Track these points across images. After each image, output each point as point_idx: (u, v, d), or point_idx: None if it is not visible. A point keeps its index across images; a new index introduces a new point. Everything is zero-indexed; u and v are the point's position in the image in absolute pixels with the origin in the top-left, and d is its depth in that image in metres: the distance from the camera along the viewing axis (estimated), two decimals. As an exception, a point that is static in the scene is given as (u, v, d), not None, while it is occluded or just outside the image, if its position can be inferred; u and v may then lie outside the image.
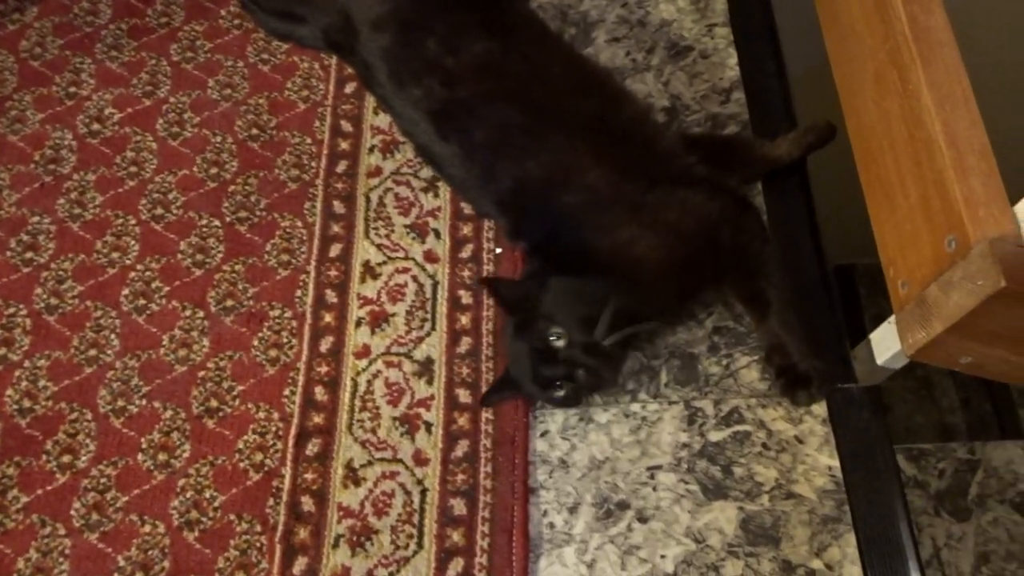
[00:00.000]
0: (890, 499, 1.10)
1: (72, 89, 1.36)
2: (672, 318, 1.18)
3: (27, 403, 1.13)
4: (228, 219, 1.25)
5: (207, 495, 1.08)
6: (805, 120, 1.35)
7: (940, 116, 0.92)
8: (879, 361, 1.13)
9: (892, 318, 1.10)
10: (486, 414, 1.13)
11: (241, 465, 1.10)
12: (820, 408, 1.15)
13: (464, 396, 1.13)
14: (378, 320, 1.18)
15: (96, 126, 1.33)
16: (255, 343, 1.17)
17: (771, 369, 1.15)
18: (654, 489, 1.11)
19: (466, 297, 1.19)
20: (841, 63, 1.17)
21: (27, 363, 1.15)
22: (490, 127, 1.11)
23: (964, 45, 0.98)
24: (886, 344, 1.13)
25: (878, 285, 1.24)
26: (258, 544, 1.05)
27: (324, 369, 1.16)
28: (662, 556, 1.07)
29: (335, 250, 1.23)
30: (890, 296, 1.05)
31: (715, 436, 1.14)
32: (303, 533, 1.06)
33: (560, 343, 1.03)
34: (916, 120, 0.96)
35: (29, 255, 1.23)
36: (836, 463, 1.12)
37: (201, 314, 1.19)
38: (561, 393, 1.06)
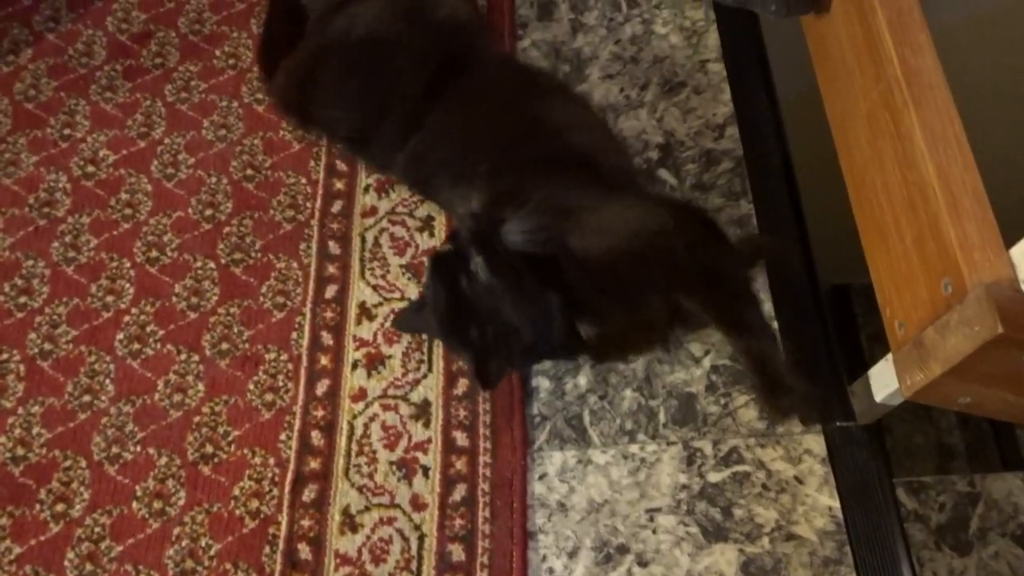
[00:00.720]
0: (891, 539, 1.10)
1: (67, 131, 1.36)
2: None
3: (20, 451, 1.12)
4: (223, 261, 1.25)
5: (203, 543, 1.07)
6: (798, 149, 1.36)
7: (933, 159, 0.93)
8: (877, 398, 1.13)
9: (890, 356, 1.11)
10: (484, 458, 1.12)
11: (237, 512, 1.09)
12: (819, 447, 1.15)
13: (461, 439, 1.13)
14: (374, 362, 1.17)
15: (91, 168, 1.32)
16: (250, 387, 1.17)
17: (754, 382, 1.12)
18: (654, 532, 1.10)
19: (462, 338, 1.18)
20: (833, 99, 1.18)
21: (20, 410, 1.15)
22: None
23: (955, 86, 0.99)
24: (884, 381, 1.12)
25: (874, 304, 1.24)
26: (254, 594, 1.04)
27: (320, 413, 1.15)
28: (662, 601, 1.06)
29: (331, 291, 1.22)
30: (887, 335, 1.05)
31: (714, 477, 1.14)
32: (300, 582, 1.05)
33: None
34: (909, 162, 0.96)
35: (23, 299, 1.22)
36: (836, 503, 1.12)
37: (196, 358, 1.18)
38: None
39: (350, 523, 1.08)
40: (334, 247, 1.26)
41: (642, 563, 1.08)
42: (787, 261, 1.27)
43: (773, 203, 1.32)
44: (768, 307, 1.24)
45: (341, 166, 1.33)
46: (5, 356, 1.18)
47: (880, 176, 1.04)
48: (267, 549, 1.07)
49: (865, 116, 1.07)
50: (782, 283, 1.25)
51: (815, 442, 1.15)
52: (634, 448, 1.15)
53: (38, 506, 1.09)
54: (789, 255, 1.17)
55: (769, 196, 1.33)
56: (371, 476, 1.11)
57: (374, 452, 1.12)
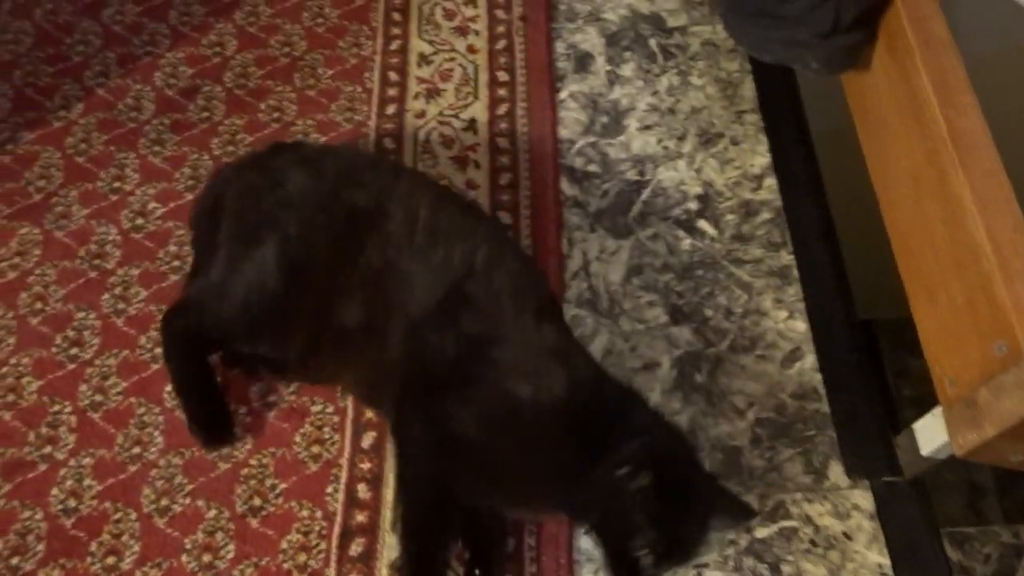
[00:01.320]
0: (944, 600, 1.09)
1: (116, 184, 1.39)
2: None
3: (72, 503, 1.13)
4: (269, 312, 1.26)
5: (251, 598, 1.07)
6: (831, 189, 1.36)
7: (983, 220, 0.93)
8: (924, 452, 1.13)
9: (937, 410, 1.10)
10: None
11: (285, 566, 1.09)
12: (867, 502, 1.14)
13: (507, 493, 1.13)
14: (420, 415, 1.18)
15: (140, 220, 1.35)
16: (297, 439, 1.17)
17: None
18: (701, 588, 1.10)
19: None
20: (875, 156, 1.19)
21: (72, 461, 1.16)
22: None
23: (1000, 145, 1.00)
24: (931, 435, 1.12)
25: (900, 340, 1.23)
26: (303, 650, 1.04)
27: (367, 465, 1.15)
28: (712, 659, 1.06)
29: (375, 343, 1.24)
30: (936, 390, 1.05)
31: (761, 532, 1.13)
32: (348, 638, 1.05)
33: None
34: (958, 223, 0.97)
35: (74, 351, 1.24)
36: (886, 560, 1.11)
37: (244, 410, 1.19)
38: None
39: None
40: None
41: (690, 620, 1.08)
42: (830, 314, 1.28)
43: (812, 253, 1.33)
44: (811, 360, 1.25)
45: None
46: (57, 408, 1.20)
47: (927, 234, 1.04)
48: (315, 604, 1.07)
49: (909, 175, 1.08)
50: (825, 338, 1.26)
51: (863, 497, 1.15)
52: (680, 502, 1.15)
53: (89, 559, 1.09)
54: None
55: (808, 246, 1.34)
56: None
57: (419, 505, 1.12)
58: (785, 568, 1.11)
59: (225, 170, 1.29)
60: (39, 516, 1.12)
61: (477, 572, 1.06)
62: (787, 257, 1.33)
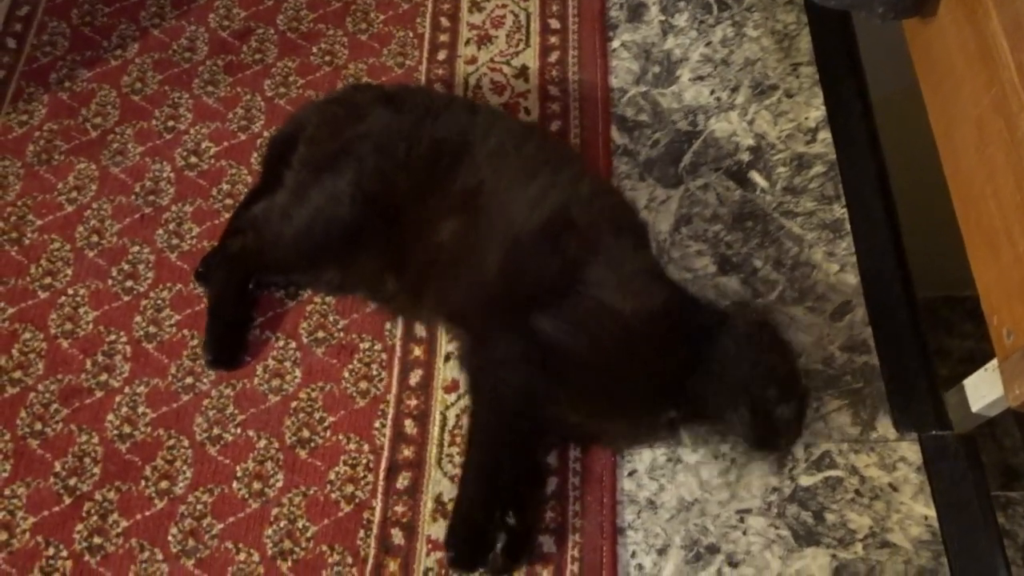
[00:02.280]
0: (990, 553, 1.07)
1: (170, 123, 1.41)
2: None
3: (127, 429, 1.16)
4: (319, 252, 1.28)
5: (300, 525, 1.09)
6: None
7: (1053, 166, 0.91)
8: (974, 408, 1.11)
9: (990, 364, 1.08)
10: (574, 452, 1.13)
11: (333, 496, 1.11)
12: (914, 455, 1.13)
13: (553, 433, 1.14)
14: (467, 355, 1.19)
15: (193, 159, 1.37)
16: (345, 375, 1.19)
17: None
18: (744, 533, 1.10)
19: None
20: (937, 106, 1.16)
21: (127, 389, 1.19)
22: None
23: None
24: (982, 391, 1.10)
25: (936, 320, 1.21)
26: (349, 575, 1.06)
27: (414, 402, 1.17)
28: (753, 603, 1.06)
29: (423, 284, 1.25)
30: (993, 343, 1.03)
31: (806, 481, 1.13)
32: (393, 566, 1.07)
33: None
34: (1025, 169, 0.95)
35: (129, 284, 1.26)
36: (932, 512, 1.10)
37: (294, 344, 1.21)
38: None
39: (442, 511, 1.10)
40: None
41: (732, 564, 1.08)
42: (882, 269, 1.26)
43: (867, 208, 1.31)
44: (862, 313, 1.23)
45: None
46: (113, 337, 1.22)
47: (990, 183, 1.02)
48: (362, 533, 1.09)
49: (974, 122, 1.05)
50: (877, 292, 1.24)
51: (910, 450, 1.14)
52: (724, 448, 1.15)
53: (143, 482, 1.12)
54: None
55: (863, 200, 1.32)
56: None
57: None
58: (829, 516, 1.10)
59: (310, 104, 1.32)
60: (95, 440, 1.15)
61: (511, 514, 1.06)
62: (840, 210, 1.31)
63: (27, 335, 1.23)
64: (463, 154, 1.12)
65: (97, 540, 1.09)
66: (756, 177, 1.35)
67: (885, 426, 1.16)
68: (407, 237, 1.11)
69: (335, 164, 1.13)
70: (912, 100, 1.25)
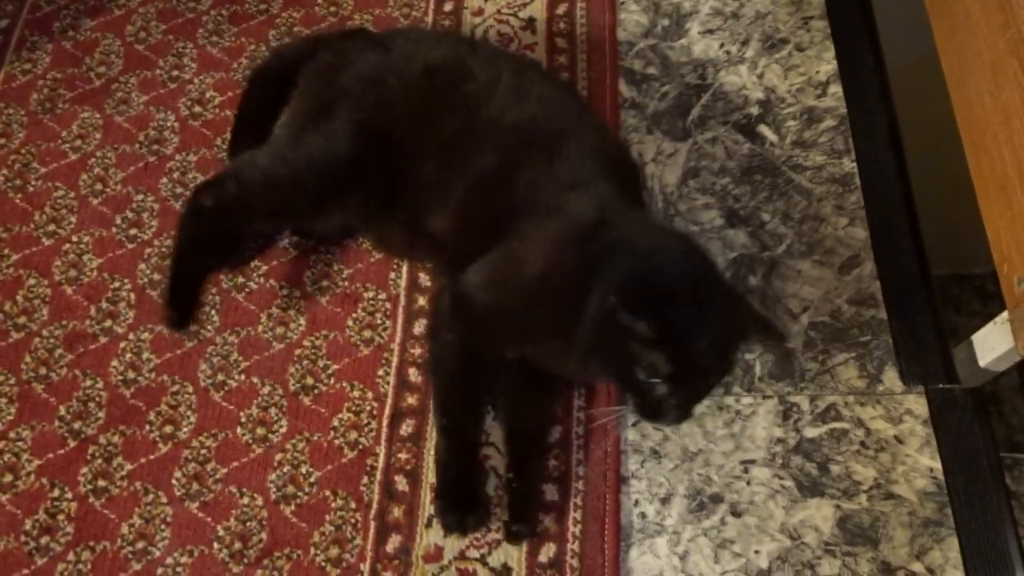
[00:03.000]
0: (996, 505, 1.07)
1: (175, 72, 1.39)
2: None
3: (131, 374, 1.16)
4: (324, 202, 1.27)
5: (303, 470, 1.09)
6: (907, 115, 1.32)
7: (1069, 107, 0.89)
8: (982, 363, 1.10)
9: (1000, 317, 1.07)
10: (578, 401, 1.13)
11: (336, 442, 1.11)
12: (921, 408, 1.13)
13: (557, 383, 1.13)
14: (471, 305, 1.18)
15: (197, 108, 1.36)
16: (350, 323, 1.19)
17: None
18: (748, 483, 1.10)
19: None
20: (951, 53, 1.14)
21: (131, 335, 1.19)
22: None
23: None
24: (991, 344, 1.09)
25: (947, 298, 1.20)
26: (353, 520, 1.06)
27: (418, 351, 1.16)
28: (756, 551, 1.06)
29: (428, 235, 1.24)
30: (1003, 293, 1.02)
31: (811, 432, 1.12)
32: (397, 512, 1.07)
33: None
34: (1040, 112, 0.93)
35: (133, 232, 1.26)
36: (938, 465, 1.09)
37: (298, 293, 1.21)
38: None
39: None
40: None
41: (736, 513, 1.08)
42: (892, 223, 1.25)
43: (877, 162, 1.30)
44: (871, 267, 1.22)
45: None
46: (117, 284, 1.22)
47: (1004, 129, 1.00)
48: (365, 479, 1.09)
49: (989, 67, 1.04)
50: (886, 246, 1.23)
51: (917, 403, 1.13)
52: (729, 400, 1.15)
53: (148, 427, 1.13)
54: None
55: (873, 155, 1.30)
56: (467, 414, 1.12)
57: (470, 391, 1.13)
58: (834, 468, 1.10)
59: (294, 40, 1.30)
60: (100, 385, 1.15)
61: (512, 475, 1.06)
62: (849, 165, 1.30)
63: (31, 281, 1.23)
64: (459, 82, 1.10)
65: (102, 483, 1.09)
66: (765, 131, 1.33)
67: (892, 379, 1.15)
68: (406, 169, 1.10)
69: (332, 108, 1.12)
70: (925, 73, 1.24)
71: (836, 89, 1.36)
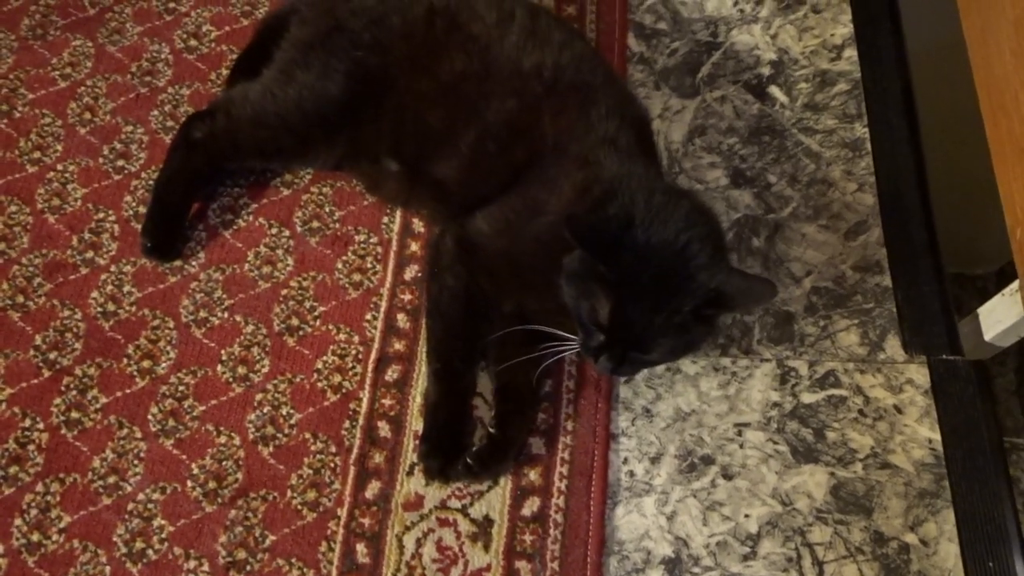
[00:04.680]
0: (994, 478, 1.04)
1: (171, 5, 1.35)
2: None
3: (111, 307, 1.12)
4: (318, 142, 1.23)
5: (283, 412, 1.06)
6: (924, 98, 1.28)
7: (1096, 62, 0.86)
8: (987, 337, 1.07)
9: (1008, 289, 1.04)
10: (570, 354, 1.09)
11: (319, 385, 1.08)
12: (922, 378, 1.09)
13: (549, 334, 1.10)
14: (465, 252, 1.15)
15: (193, 42, 1.32)
16: (339, 266, 1.15)
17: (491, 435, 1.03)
18: (741, 446, 1.06)
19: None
20: (972, 14, 1.11)
21: (113, 268, 1.15)
22: None
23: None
24: (996, 318, 1.06)
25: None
26: (332, 465, 1.03)
27: (408, 297, 1.13)
28: (746, 515, 1.02)
29: (424, 180, 1.20)
30: (1015, 260, 0.98)
31: (808, 398, 1.09)
32: (378, 458, 1.04)
33: None
34: (1066, 68, 0.89)
35: (121, 163, 1.22)
36: (937, 436, 1.06)
37: (287, 233, 1.17)
38: None
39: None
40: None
41: (727, 476, 1.05)
42: (902, 191, 1.21)
43: (889, 128, 1.26)
44: (877, 234, 1.19)
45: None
46: (101, 215, 1.18)
47: (1025, 87, 0.97)
48: (347, 424, 1.05)
49: (1012, 24, 1.00)
50: (895, 214, 1.20)
51: (918, 372, 1.10)
52: (726, 361, 1.11)
53: (125, 360, 1.09)
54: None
55: (886, 121, 1.26)
56: (454, 362, 1.09)
57: (459, 340, 1.10)
58: (830, 435, 1.07)
59: None
60: (78, 316, 1.12)
61: (494, 423, 1.03)
62: (861, 130, 1.26)
63: (13, 208, 1.19)
64: (465, 22, 1.06)
65: (75, 415, 1.06)
66: (776, 92, 1.30)
67: (894, 348, 1.12)
68: (404, 113, 1.06)
69: (327, 42, 1.08)
70: (944, 40, 1.20)
71: (851, 53, 1.32)
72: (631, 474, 1.05)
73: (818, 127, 1.26)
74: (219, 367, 1.09)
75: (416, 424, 1.06)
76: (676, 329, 0.88)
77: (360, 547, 0.99)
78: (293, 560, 0.98)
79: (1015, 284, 1.02)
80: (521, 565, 0.98)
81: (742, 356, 1.11)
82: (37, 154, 1.23)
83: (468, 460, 1.00)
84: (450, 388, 1.02)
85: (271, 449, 1.04)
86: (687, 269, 0.87)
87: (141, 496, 1.01)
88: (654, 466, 1.05)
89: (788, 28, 1.35)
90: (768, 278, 1.04)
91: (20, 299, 1.13)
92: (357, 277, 1.15)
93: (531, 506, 1.01)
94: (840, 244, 1.18)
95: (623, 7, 1.35)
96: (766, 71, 1.31)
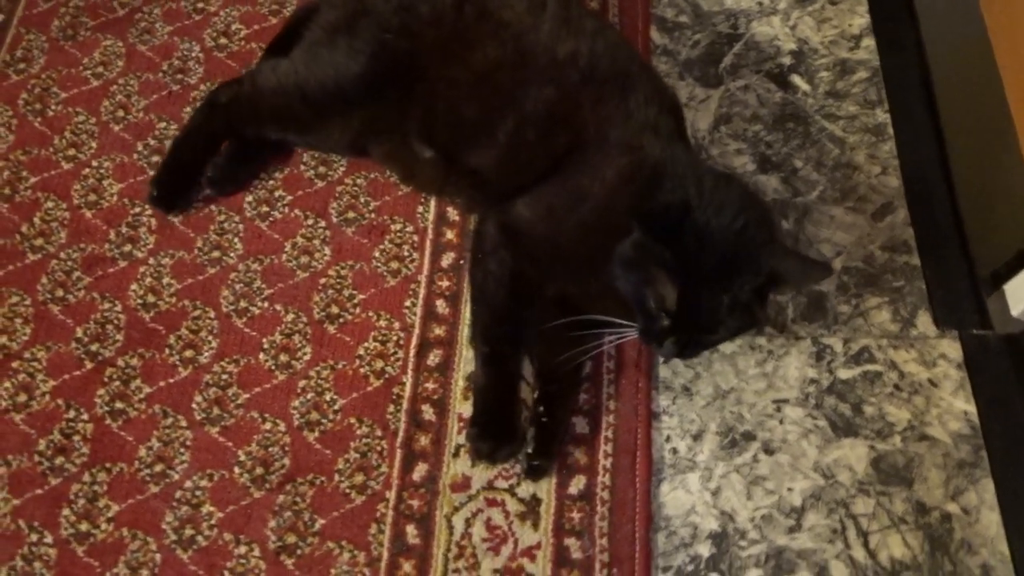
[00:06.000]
0: (1031, 446, 1.06)
1: (200, 5, 1.37)
2: None
3: (151, 298, 1.13)
4: (350, 136, 1.24)
5: (327, 398, 1.07)
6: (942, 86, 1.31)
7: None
8: (1014, 312, 1.09)
9: (1036, 263, 1.07)
10: (610, 336, 1.11)
11: (362, 371, 1.08)
12: (955, 352, 1.11)
13: (588, 317, 1.11)
14: (500, 239, 1.16)
15: (223, 40, 1.33)
16: (376, 254, 1.16)
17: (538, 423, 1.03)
18: (780, 422, 1.08)
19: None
20: (995, 2, 1.14)
21: (151, 260, 1.16)
22: None
23: None
24: (1022, 294, 1.08)
25: None
26: (378, 448, 1.04)
27: (445, 284, 1.14)
28: (789, 489, 1.04)
29: (457, 170, 1.22)
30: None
31: (844, 374, 1.11)
32: (424, 440, 1.04)
33: None
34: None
35: (156, 159, 1.23)
36: (972, 408, 1.08)
37: (323, 224, 1.18)
38: None
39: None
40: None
41: (768, 451, 1.06)
42: (925, 172, 1.24)
43: (910, 113, 1.29)
44: (903, 214, 1.21)
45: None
46: (137, 210, 1.19)
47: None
48: (391, 408, 1.06)
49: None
50: (919, 195, 1.22)
51: (951, 347, 1.12)
52: (761, 340, 1.13)
53: (167, 351, 1.09)
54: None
55: (907, 106, 1.29)
56: (496, 346, 1.10)
57: (498, 324, 1.11)
58: (867, 409, 1.08)
59: None
60: (118, 308, 1.12)
61: (542, 409, 1.04)
62: (883, 115, 1.29)
63: (49, 204, 1.19)
64: (494, 10, 1.09)
65: (119, 405, 1.06)
66: (797, 80, 1.32)
67: (925, 323, 1.14)
68: (436, 100, 1.08)
69: (354, 24, 1.11)
70: (961, 27, 1.23)
71: (869, 42, 1.35)
72: (674, 451, 1.06)
73: (840, 113, 1.29)
74: (261, 355, 1.09)
75: (459, 407, 1.06)
76: (739, 309, 0.91)
77: (410, 528, 1.00)
78: (343, 543, 0.99)
79: (1043, 259, 1.05)
80: (570, 542, 0.99)
81: (777, 335, 1.13)
82: (72, 151, 1.24)
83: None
84: (498, 372, 1.03)
85: (317, 434, 1.05)
86: (748, 251, 0.90)
87: (188, 484, 1.02)
88: (696, 443, 1.06)
89: (806, 19, 1.38)
90: (824, 261, 1.07)
91: (60, 293, 1.13)
92: (395, 265, 1.16)
93: (577, 484, 1.02)
94: (868, 225, 1.20)
95: (645, 1, 1.38)
96: (787, 60, 1.34)
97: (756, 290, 0.91)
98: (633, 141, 1.00)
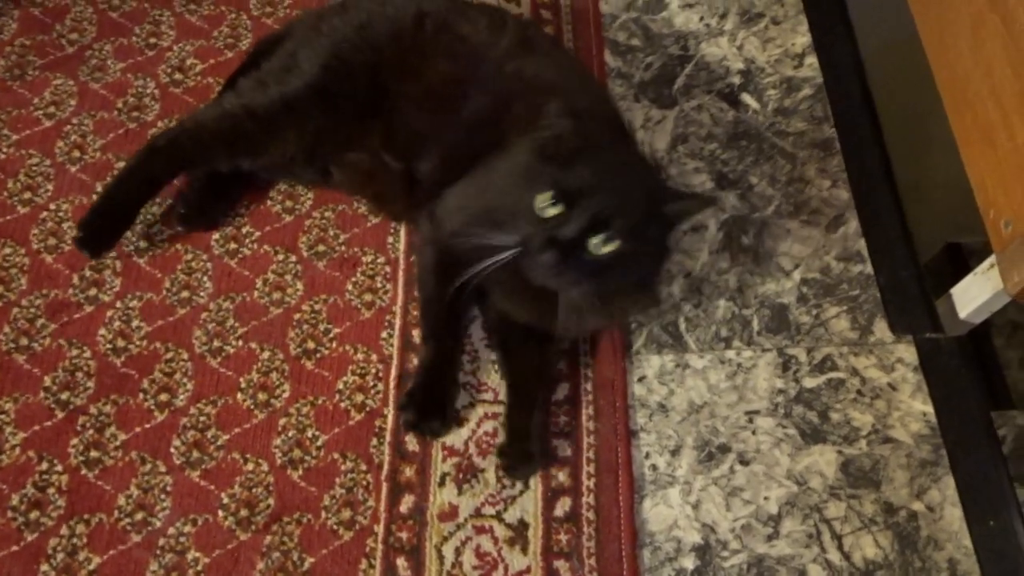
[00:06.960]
0: (986, 442, 1.11)
1: (152, 40, 1.35)
2: None
3: (121, 342, 1.11)
4: (314, 168, 1.24)
5: (309, 434, 1.06)
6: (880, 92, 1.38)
7: (1053, 54, 0.95)
8: (961, 315, 1.15)
9: (980, 267, 1.13)
10: (585, 359, 1.13)
11: (342, 405, 1.08)
12: (911, 356, 1.17)
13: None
14: (472, 266, 1.17)
15: (178, 76, 1.32)
16: (349, 287, 1.17)
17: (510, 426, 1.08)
18: (753, 433, 1.12)
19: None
20: (928, 18, 1.20)
21: (119, 304, 1.13)
22: None
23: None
24: (969, 296, 1.15)
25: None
26: (364, 482, 1.04)
27: (420, 313, 1.15)
28: (765, 498, 1.08)
29: (424, 199, 1.23)
30: (991, 238, 1.07)
31: (810, 383, 1.15)
32: (409, 471, 1.05)
33: None
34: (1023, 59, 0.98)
35: (116, 199, 1.21)
36: (930, 409, 1.14)
37: (293, 258, 1.18)
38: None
39: (456, 417, 1.08)
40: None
41: (744, 462, 1.10)
42: (872, 184, 1.30)
43: (854, 126, 1.35)
44: (855, 225, 1.26)
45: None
46: (101, 252, 1.17)
47: (987, 81, 1.06)
48: (374, 441, 1.07)
49: (969, 26, 1.09)
50: (868, 206, 1.28)
51: (907, 351, 1.17)
52: (730, 354, 1.17)
53: (141, 395, 1.08)
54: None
55: (850, 119, 1.35)
56: (474, 373, 1.11)
57: (475, 351, 1.13)
58: (833, 416, 1.13)
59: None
60: (87, 354, 1.10)
61: (512, 402, 1.08)
62: (829, 130, 1.34)
63: (7, 250, 1.16)
64: (452, 26, 1.12)
65: (94, 453, 1.04)
66: (748, 99, 1.37)
67: (882, 330, 1.19)
68: (395, 113, 1.11)
69: (310, 40, 1.14)
70: (897, 44, 1.28)
71: (812, 60, 1.41)
72: (654, 467, 1.09)
73: (790, 130, 1.34)
74: (239, 395, 1.09)
75: (443, 436, 1.07)
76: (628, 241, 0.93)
77: (400, 561, 1.00)
78: (335, 580, 0.99)
79: (984, 263, 1.11)
80: (560, 564, 1.01)
81: (745, 348, 1.17)
82: (28, 194, 1.21)
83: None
84: (435, 351, 1.08)
85: (300, 472, 1.04)
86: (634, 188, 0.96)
87: (172, 530, 1.00)
88: (675, 458, 1.10)
89: (752, 39, 1.43)
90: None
91: (24, 341, 1.10)
92: (368, 297, 1.16)
93: (563, 506, 1.04)
94: (822, 237, 1.26)
95: (597, 25, 1.41)
96: (737, 80, 1.39)
97: (644, 223, 0.94)
98: (541, 124, 1.02)
